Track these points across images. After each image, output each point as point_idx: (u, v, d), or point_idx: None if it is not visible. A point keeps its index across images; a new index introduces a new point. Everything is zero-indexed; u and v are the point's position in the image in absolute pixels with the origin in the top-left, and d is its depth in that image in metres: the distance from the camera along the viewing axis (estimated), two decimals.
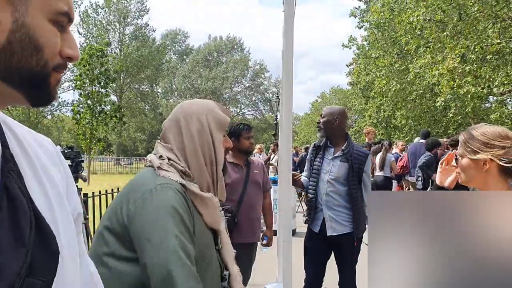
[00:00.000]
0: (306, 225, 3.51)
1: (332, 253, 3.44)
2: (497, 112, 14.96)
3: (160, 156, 1.37)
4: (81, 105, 18.18)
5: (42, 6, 0.65)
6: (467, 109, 14.21)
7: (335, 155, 3.33)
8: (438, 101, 13.97)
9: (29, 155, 0.72)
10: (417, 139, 8.67)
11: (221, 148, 1.42)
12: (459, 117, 16.31)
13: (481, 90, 13.11)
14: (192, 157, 1.37)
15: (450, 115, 14.91)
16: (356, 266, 3.35)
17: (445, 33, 13.69)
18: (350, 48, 20.65)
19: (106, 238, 1.26)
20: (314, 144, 3.54)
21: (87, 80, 18.18)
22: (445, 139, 9.46)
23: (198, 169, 1.37)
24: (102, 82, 18.68)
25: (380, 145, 8.85)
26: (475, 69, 12.93)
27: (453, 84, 12.85)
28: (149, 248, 1.17)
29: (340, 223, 3.23)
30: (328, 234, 3.24)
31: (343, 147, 3.31)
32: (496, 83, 13.15)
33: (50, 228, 0.64)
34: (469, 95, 12.82)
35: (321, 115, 3.46)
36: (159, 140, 1.47)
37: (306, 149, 11.13)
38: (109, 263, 1.23)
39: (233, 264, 1.46)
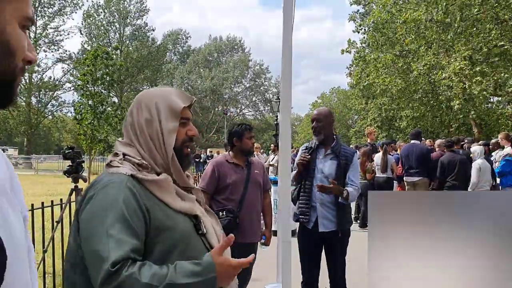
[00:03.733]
0: (297, 222, 3.60)
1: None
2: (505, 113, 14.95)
3: (115, 154, 1.35)
4: (82, 106, 18.16)
5: (15, 12, 0.66)
6: (478, 109, 14.22)
7: (326, 154, 3.49)
8: (454, 105, 13.98)
9: None
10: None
11: (172, 138, 1.35)
12: (461, 116, 16.32)
13: (490, 91, 13.15)
14: (145, 148, 1.34)
15: (461, 117, 14.90)
16: (348, 263, 3.52)
17: (448, 35, 13.71)
18: (350, 53, 20.65)
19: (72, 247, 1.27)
20: (305, 147, 3.64)
21: (90, 81, 18.18)
22: (444, 140, 9.46)
23: (153, 158, 1.34)
24: (106, 83, 18.68)
25: (371, 147, 8.84)
26: (483, 69, 12.95)
27: (464, 86, 12.88)
28: (84, 245, 1.18)
29: (330, 220, 3.38)
30: (320, 230, 3.38)
31: (332, 146, 3.49)
32: (502, 84, 13.17)
33: None
34: (480, 96, 12.85)
35: (314, 120, 3.55)
36: (119, 138, 1.45)
37: None
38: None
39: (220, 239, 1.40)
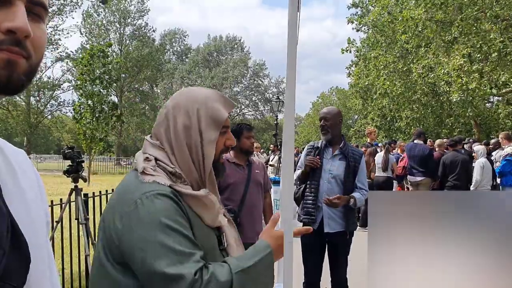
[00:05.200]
0: (301, 223, 3.58)
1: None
2: (507, 116, 14.97)
3: (146, 158, 1.21)
4: (82, 106, 18.18)
5: None
6: (476, 106, 14.24)
7: (334, 154, 3.46)
8: (452, 98, 14.00)
9: (8, 160, 0.71)
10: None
11: (211, 149, 1.24)
12: (461, 117, 16.34)
13: (488, 89, 13.16)
14: (179, 156, 1.21)
15: (468, 115, 14.92)
16: (350, 264, 3.54)
17: (447, 33, 13.72)
18: (350, 52, 20.65)
19: (102, 261, 1.15)
20: (312, 145, 3.61)
21: (88, 80, 18.19)
22: (444, 140, 9.47)
23: (186, 168, 1.21)
24: (104, 82, 18.68)
25: (375, 147, 8.86)
26: (480, 68, 12.97)
27: (461, 81, 12.90)
28: (142, 267, 1.07)
29: (336, 221, 3.38)
30: (325, 231, 3.37)
31: (340, 146, 3.47)
32: (500, 83, 13.18)
33: (23, 235, 0.62)
34: (475, 93, 12.87)
35: (322, 118, 3.50)
36: (149, 136, 1.30)
37: None
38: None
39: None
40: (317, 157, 3.44)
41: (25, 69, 0.63)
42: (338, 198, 3.27)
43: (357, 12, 24.95)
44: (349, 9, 24.80)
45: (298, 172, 3.57)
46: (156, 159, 1.20)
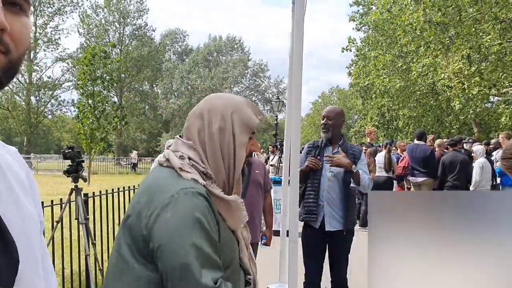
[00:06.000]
0: (302, 222, 3.58)
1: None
2: (507, 116, 14.95)
3: (181, 156, 1.24)
4: (84, 106, 18.21)
5: None
6: (477, 109, 14.23)
7: (334, 152, 3.49)
8: (454, 105, 14.00)
9: None
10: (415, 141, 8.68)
11: (243, 152, 1.29)
12: (462, 117, 16.33)
13: (487, 91, 13.16)
14: (211, 157, 1.26)
15: (461, 117, 14.93)
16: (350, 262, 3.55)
17: (446, 35, 13.72)
18: (350, 51, 20.68)
19: (125, 257, 1.16)
20: (312, 144, 3.63)
21: (89, 80, 18.21)
22: (444, 140, 9.46)
23: (216, 169, 1.26)
24: (105, 83, 18.71)
25: (377, 147, 8.85)
26: (479, 69, 12.97)
27: (462, 86, 12.90)
28: (168, 259, 1.09)
29: (337, 219, 3.39)
30: (327, 229, 3.38)
31: (339, 144, 3.51)
32: (499, 84, 13.18)
33: (11, 236, 0.61)
34: (479, 96, 12.86)
35: (325, 117, 3.51)
36: (179, 136, 1.35)
37: None
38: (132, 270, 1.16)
39: (253, 266, 1.37)
40: (318, 157, 3.45)
41: (3, 65, 0.61)
42: (341, 161, 3.31)
43: (358, 10, 24.96)
44: (350, 6, 24.80)
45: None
46: (189, 158, 1.24)
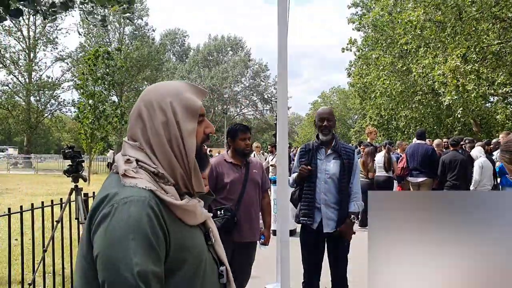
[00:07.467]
0: (299, 224, 3.59)
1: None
2: (502, 113, 14.95)
3: (127, 160, 1.17)
4: (84, 105, 18.22)
5: None
6: (472, 108, 14.20)
7: (327, 154, 3.49)
8: (445, 100, 13.97)
9: None
10: (414, 140, 8.69)
11: (193, 139, 1.21)
12: (463, 118, 16.30)
13: (483, 90, 13.14)
14: (160, 154, 1.19)
15: (458, 116, 14.90)
16: (349, 262, 3.56)
17: (445, 33, 13.71)
18: (350, 51, 20.67)
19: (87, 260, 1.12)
20: (304, 148, 3.62)
21: (90, 80, 18.22)
22: (445, 139, 9.46)
23: (169, 165, 1.19)
24: (106, 83, 18.72)
25: (375, 147, 8.85)
26: (476, 68, 12.94)
27: (457, 83, 12.87)
28: (102, 270, 1.05)
29: (334, 221, 3.40)
30: (325, 231, 3.39)
31: (333, 145, 3.51)
32: (497, 83, 13.16)
33: None
34: (472, 95, 12.83)
35: (325, 119, 3.52)
36: (126, 139, 1.26)
37: None
38: None
39: (225, 257, 1.32)
40: (311, 164, 3.45)
41: None
42: (345, 231, 3.37)
43: (357, 12, 24.97)
44: (349, 8, 24.81)
45: (294, 175, 3.59)
46: (137, 161, 1.18)
